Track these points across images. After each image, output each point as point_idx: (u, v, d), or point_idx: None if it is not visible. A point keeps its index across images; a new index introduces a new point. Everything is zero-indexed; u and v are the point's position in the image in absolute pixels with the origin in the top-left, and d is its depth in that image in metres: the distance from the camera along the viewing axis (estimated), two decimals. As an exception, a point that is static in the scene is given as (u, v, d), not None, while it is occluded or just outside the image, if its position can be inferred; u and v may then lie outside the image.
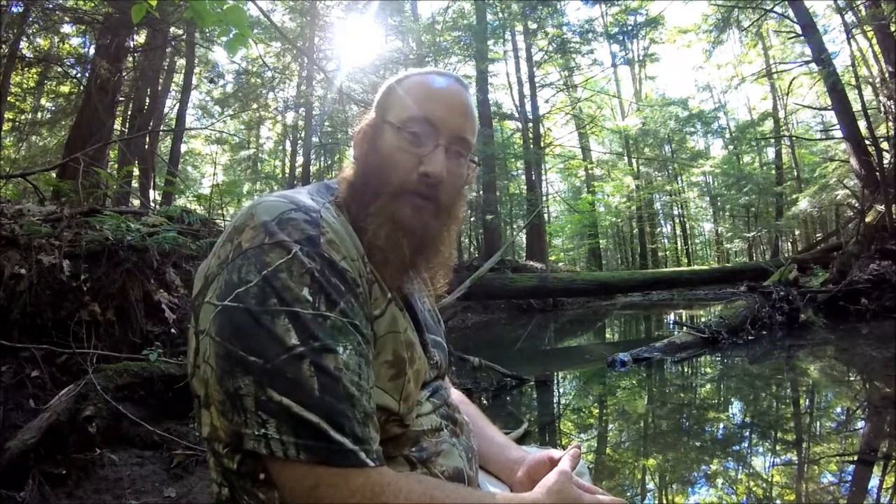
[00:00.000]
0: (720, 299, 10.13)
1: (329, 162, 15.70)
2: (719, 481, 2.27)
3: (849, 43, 10.46)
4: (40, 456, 1.77)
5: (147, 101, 10.02)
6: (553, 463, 0.81)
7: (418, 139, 0.75)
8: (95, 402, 1.95)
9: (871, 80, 11.18)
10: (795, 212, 14.21)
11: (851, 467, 2.27)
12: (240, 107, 14.52)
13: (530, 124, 15.00)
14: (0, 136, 8.74)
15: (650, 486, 2.31)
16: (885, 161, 8.47)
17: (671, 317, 9.96)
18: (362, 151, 0.80)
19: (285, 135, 17.07)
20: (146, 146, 9.16)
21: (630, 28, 17.04)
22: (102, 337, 2.39)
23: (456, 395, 0.94)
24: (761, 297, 6.13)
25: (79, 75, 9.39)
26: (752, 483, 2.23)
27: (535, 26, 14.79)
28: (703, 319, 6.92)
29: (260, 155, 19.54)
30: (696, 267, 16.92)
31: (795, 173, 17.31)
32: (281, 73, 14.11)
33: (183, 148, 15.29)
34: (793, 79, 14.53)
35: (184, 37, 9.78)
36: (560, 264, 20.11)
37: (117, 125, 9.88)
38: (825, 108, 12.84)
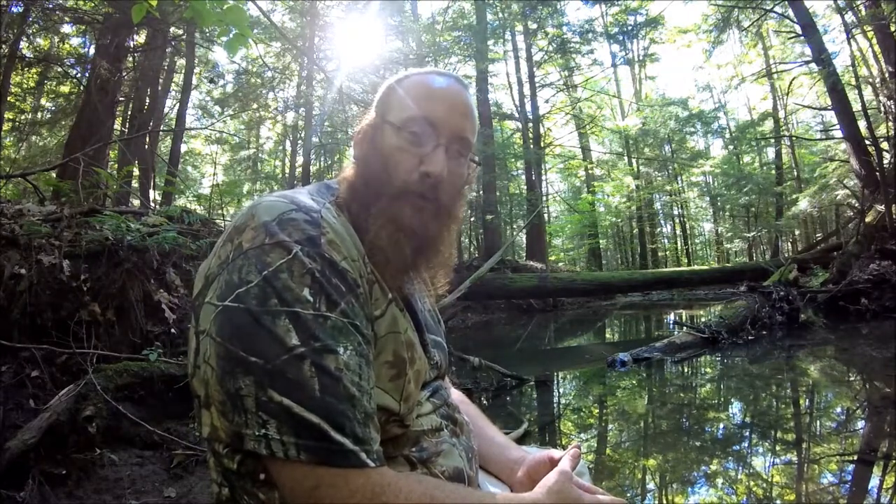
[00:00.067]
0: (720, 299, 10.14)
1: (329, 162, 15.69)
2: (719, 481, 2.27)
3: (849, 43, 10.46)
4: (40, 456, 1.77)
5: (147, 101, 10.03)
6: (553, 463, 0.81)
7: (418, 139, 0.75)
8: (95, 402, 1.95)
9: (871, 80, 11.18)
10: (795, 212, 14.21)
11: (851, 467, 2.27)
12: (240, 107, 14.52)
13: (530, 124, 15.00)
14: (0, 136, 8.73)
15: (650, 486, 2.31)
16: (885, 161, 8.47)
17: (671, 317, 9.95)
18: (362, 151, 0.80)
19: (285, 135, 17.07)
20: (146, 146, 9.16)
21: (630, 28, 17.05)
22: (102, 337, 2.39)
23: (456, 395, 0.94)
24: (761, 297, 6.13)
25: (79, 75, 9.39)
26: (752, 483, 2.23)
27: (535, 26, 14.79)
28: (703, 319, 6.92)
29: (260, 155, 19.54)
30: (696, 267, 16.91)
31: (795, 173, 17.31)
32: (281, 73, 14.11)
33: (183, 148, 15.30)
34: (793, 79, 14.53)
35: (184, 37, 9.77)
36: (560, 264, 20.11)
37: (117, 125, 9.88)
38: (825, 108, 12.84)
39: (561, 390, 4.36)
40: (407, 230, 0.73)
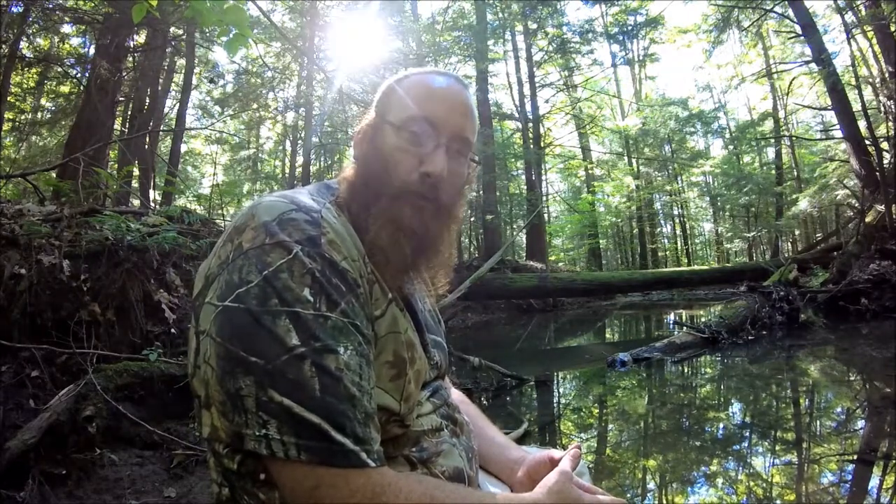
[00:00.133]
0: (720, 299, 10.13)
1: (329, 162, 15.69)
2: (719, 481, 2.27)
3: (849, 43, 10.46)
4: (40, 456, 1.77)
5: (147, 101, 10.02)
6: (553, 463, 0.81)
7: (418, 139, 0.75)
8: (95, 402, 1.95)
9: (871, 80, 11.18)
10: (795, 212, 14.21)
11: (851, 467, 2.27)
12: (240, 107, 14.52)
13: (530, 124, 15.00)
14: (0, 136, 8.73)
15: (650, 486, 2.31)
16: (885, 161, 8.47)
17: (671, 317, 9.95)
18: (362, 151, 0.80)
19: (285, 135, 17.07)
20: (146, 146, 9.15)
21: (630, 28, 17.05)
22: (102, 337, 2.39)
23: (456, 395, 0.94)
24: (761, 297, 6.13)
25: (79, 75, 9.38)
26: (752, 483, 2.23)
27: (535, 26, 14.79)
28: (703, 319, 6.92)
29: (260, 155, 19.53)
30: (696, 267, 16.91)
31: (795, 173, 17.31)
32: (281, 73, 14.11)
33: (183, 148, 15.29)
34: (793, 79, 14.53)
35: (184, 37, 9.78)
36: (560, 264, 20.10)
37: (117, 125, 9.88)
38: (825, 108, 12.84)
39: (561, 390, 4.36)
40: (407, 230, 0.73)
